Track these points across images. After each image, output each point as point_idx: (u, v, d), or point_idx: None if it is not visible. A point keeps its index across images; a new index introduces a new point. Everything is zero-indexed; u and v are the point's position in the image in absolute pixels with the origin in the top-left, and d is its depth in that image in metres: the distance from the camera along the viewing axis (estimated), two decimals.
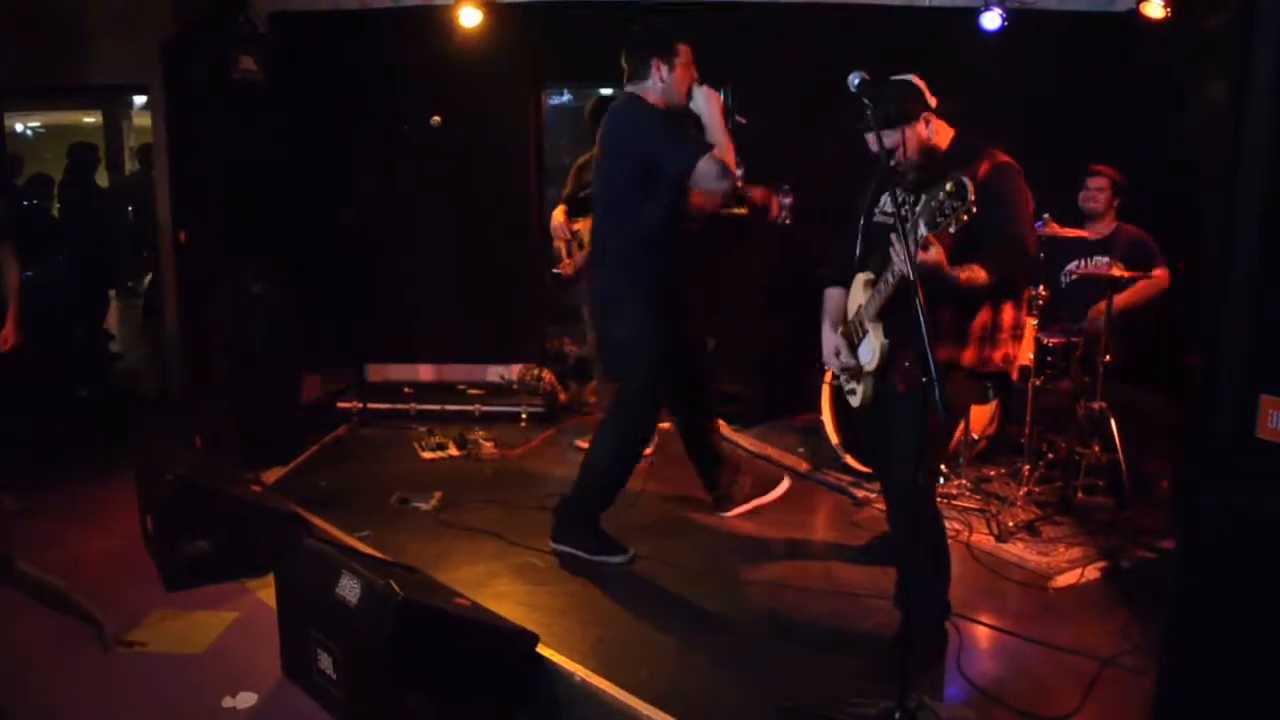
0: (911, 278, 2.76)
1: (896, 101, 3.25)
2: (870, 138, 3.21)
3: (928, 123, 3.30)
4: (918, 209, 2.89)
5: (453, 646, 3.04)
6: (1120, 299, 4.87)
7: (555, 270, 5.87)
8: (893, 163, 3.32)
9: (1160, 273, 5.03)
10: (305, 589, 3.22)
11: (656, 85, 4.10)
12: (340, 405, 6.49)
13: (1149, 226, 5.26)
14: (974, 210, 2.72)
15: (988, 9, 6.41)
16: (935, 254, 2.95)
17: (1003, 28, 6.43)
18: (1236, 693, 2.09)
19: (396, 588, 2.91)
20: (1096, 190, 5.26)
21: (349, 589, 3.01)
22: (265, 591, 3.86)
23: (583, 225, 5.59)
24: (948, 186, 2.71)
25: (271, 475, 5.32)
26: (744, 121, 5.46)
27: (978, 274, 3.10)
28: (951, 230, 2.79)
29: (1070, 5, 6.80)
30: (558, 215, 5.71)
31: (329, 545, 3.38)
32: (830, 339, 3.64)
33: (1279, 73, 1.83)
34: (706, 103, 4.08)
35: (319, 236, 6.20)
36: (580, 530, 4.23)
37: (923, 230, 2.84)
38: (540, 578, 4.09)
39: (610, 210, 4.20)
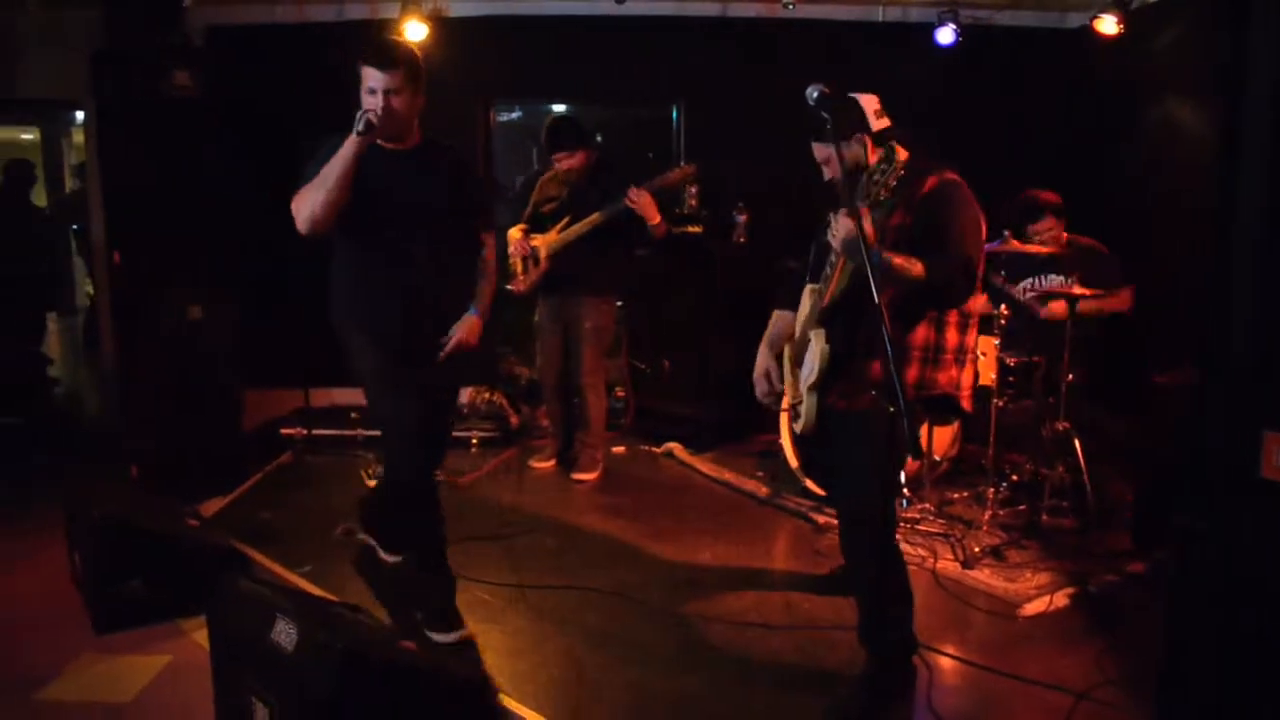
0: (838, 247, 2.83)
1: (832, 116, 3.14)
2: (817, 147, 3.23)
3: (863, 144, 3.19)
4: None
5: (399, 697, 2.85)
6: (1087, 307, 4.81)
7: (508, 286, 5.73)
8: (826, 177, 3.27)
9: (1125, 294, 4.96)
10: (239, 633, 3.01)
11: None
12: (284, 431, 6.27)
13: (1101, 241, 5.21)
14: (901, 172, 2.69)
15: (942, 24, 6.41)
16: (866, 225, 2.82)
17: (956, 43, 6.42)
18: None
19: (335, 635, 2.72)
20: (1047, 230, 5.10)
21: (284, 634, 2.80)
22: (201, 633, 3.64)
23: (540, 241, 5.45)
24: (881, 153, 2.63)
25: (211, 506, 5.10)
26: None
27: (914, 265, 2.98)
28: (883, 197, 2.72)
29: (1023, 21, 6.80)
30: (515, 232, 5.57)
31: (264, 585, 3.18)
32: (762, 359, 3.57)
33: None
34: None
35: (259, 256, 5.97)
36: None
37: (856, 204, 2.73)
38: (491, 614, 3.91)
39: None
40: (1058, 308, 4.77)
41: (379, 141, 3.58)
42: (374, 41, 3.66)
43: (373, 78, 3.49)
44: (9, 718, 3.21)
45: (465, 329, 3.90)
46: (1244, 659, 1.91)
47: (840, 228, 2.87)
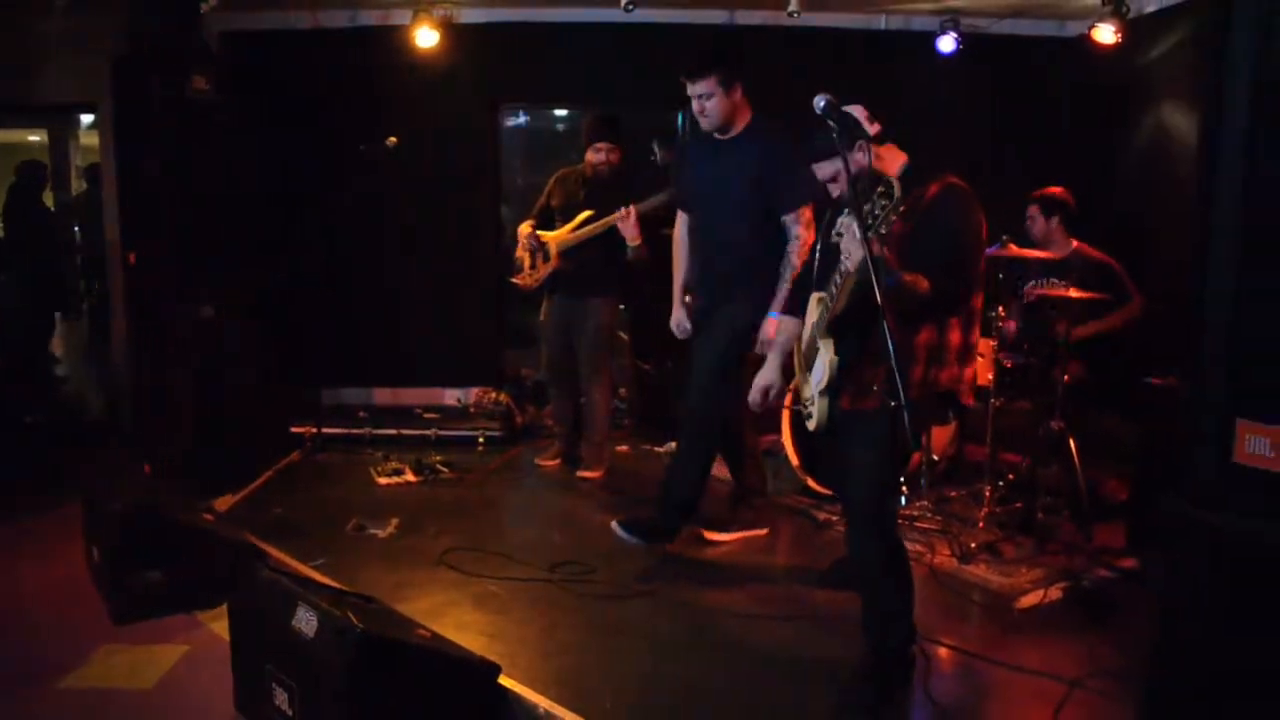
0: (852, 269, 2.90)
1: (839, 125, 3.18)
2: (821, 166, 3.32)
3: (866, 150, 3.21)
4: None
5: (414, 680, 2.95)
6: (1086, 330, 4.94)
7: (513, 280, 5.78)
8: (835, 195, 3.33)
9: (1130, 308, 5.10)
10: (259, 622, 3.11)
11: None
12: (294, 429, 6.37)
13: (1100, 247, 5.31)
14: (902, 209, 2.72)
15: (943, 33, 6.50)
16: (875, 249, 2.90)
17: (957, 51, 6.52)
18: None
19: (355, 619, 2.82)
20: (1029, 219, 5.37)
21: (305, 621, 2.91)
22: (218, 624, 3.74)
23: (551, 238, 5.53)
24: (879, 188, 2.70)
25: (224, 503, 5.19)
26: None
27: (920, 281, 3.04)
28: (883, 231, 2.75)
29: (1023, 30, 6.89)
30: (525, 227, 5.64)
31: (284, 576, 3.28)
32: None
33: (1252, 90, 1.82)
34: None
35: (273, 257, 6.06)
36: None
37: (858, 234, 2.81)
38: (501, 606, 4.01)
39: None
40: (1060, 329, 4.84)
41: (714, 134, 4.22)
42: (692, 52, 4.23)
43: (687, 87, 4.08)
44: (33, 706, 3.30)
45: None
46: (1228, 638, 2.01)
47: (854, 253, 2.91)
